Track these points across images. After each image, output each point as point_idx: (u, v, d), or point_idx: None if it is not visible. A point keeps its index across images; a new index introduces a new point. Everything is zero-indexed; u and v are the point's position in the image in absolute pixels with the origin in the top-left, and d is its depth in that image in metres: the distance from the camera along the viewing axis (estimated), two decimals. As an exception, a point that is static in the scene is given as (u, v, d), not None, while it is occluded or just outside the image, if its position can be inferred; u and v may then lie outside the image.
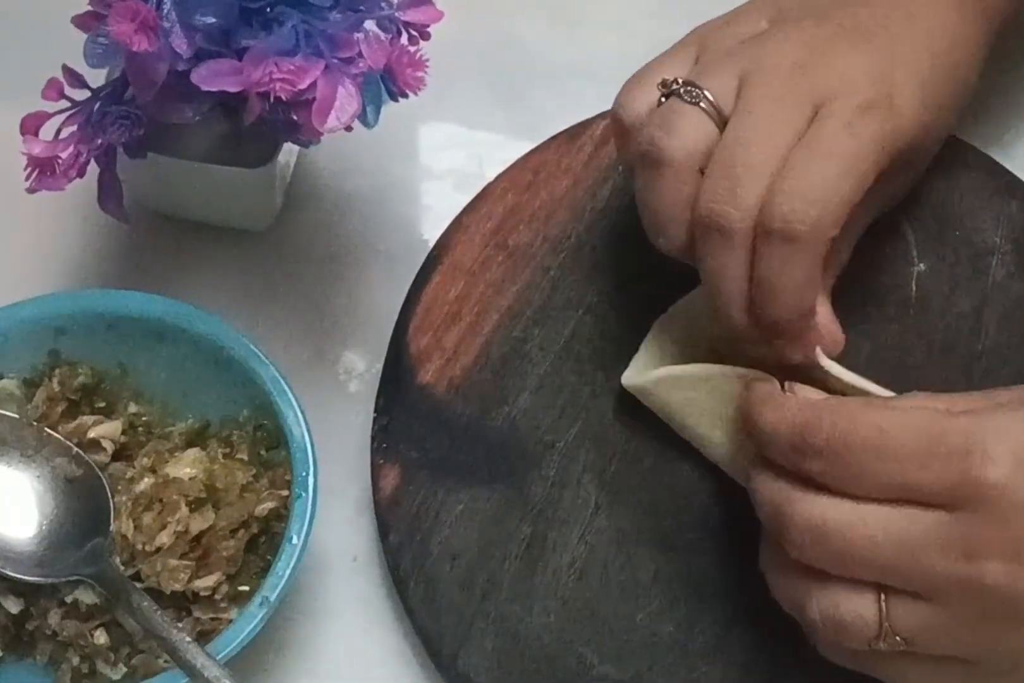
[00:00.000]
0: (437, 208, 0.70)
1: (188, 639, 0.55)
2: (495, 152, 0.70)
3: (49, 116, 0.58)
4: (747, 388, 0.56)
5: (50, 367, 0.62)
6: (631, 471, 0.62)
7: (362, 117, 0.58)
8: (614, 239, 0.66)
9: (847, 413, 0.52)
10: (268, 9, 0.55)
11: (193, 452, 0.60)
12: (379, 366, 0.65)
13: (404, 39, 0.58)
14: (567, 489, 0.62)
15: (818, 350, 0.57)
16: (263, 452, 0.61)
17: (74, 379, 0.62)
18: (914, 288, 0.65)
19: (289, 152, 0.66)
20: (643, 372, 0.61)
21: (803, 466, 0.52)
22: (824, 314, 0.58)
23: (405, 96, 0.58)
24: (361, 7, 0.56)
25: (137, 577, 0.58)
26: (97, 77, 0.59)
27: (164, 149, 0.61)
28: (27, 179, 0.57)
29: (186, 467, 0.60)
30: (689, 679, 0.59)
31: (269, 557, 0.58)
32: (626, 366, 0.62)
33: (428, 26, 0.58)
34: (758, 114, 0.55)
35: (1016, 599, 0.49)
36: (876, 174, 0.56)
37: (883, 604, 0.51)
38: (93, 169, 0.59)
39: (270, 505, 0.59)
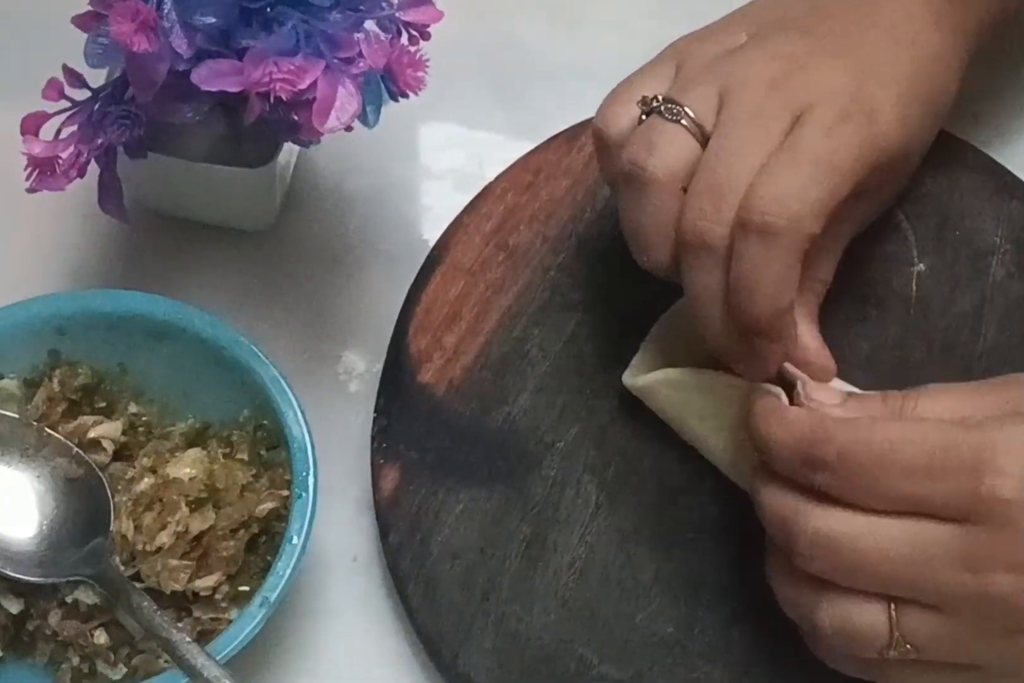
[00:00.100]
0: (437, 208, 0.70)
1: (188, 639, 0.55)
2: (495, 152, 0.70)
3: (49, 116, 0.58)
4: (751, 400, 0.56)
5: (50, 367, 0.62)
6: (631, 471, 0.62)
7: (362, 117, 0.58)
8: (614, 239, 0.66)
9: (857, 426, 0.52)
10: (268, 9, 0.55)
11: (193, 452, 0.60)
12: (379, 366, 0.65)
13: (404, 39, 0.57)
14: (567, 489, 0.62)
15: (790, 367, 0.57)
16: (263, 452, 0.61)
17: (74, 379, 0.62)
18: (914, 288, 0.65)
19: (289, 152, 0.66)
20: (643, 372, 0.61)
21: (812, 479, 0.52)
22: (812, 341, 0.58)
23: (405, 96, 0.58)
24: (361, 7, 0.56)
25: (137, 577, 0.58)
26: (97, 77, 0.59)
27: (164, 149, 0.61)
28: (27, 179, 0.57)
29: (186, 467, 0.60)
30: (689, 679, 0.59)
31: (269, 557, 0.58)
32: (626, 366, 0.62)
33: (428, 26, 0.58)
34: (739, 130, 0.55)
35: (1023, 610, 0.50)
36: (855, 180, 0.55)
37: (893, 613, 0.51)
38: (93, 169, 0.59)
39: (270, 505, 0.59)
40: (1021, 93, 0.72)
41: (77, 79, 0.58)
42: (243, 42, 0.55)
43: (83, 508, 0.60)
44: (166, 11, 0.54)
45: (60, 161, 0.57)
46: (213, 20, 0.55)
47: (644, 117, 0.57)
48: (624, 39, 0.73)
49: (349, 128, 0.55)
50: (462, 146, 0.72)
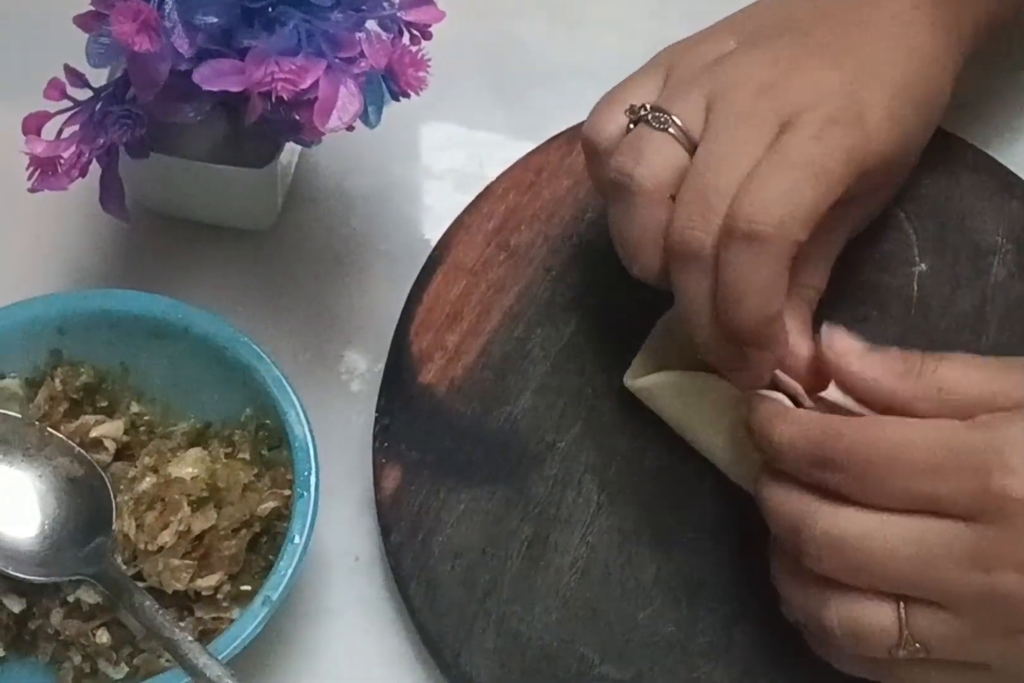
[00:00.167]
0: (438, 208, 0.70)
1: (190, 638, 0.55)
2: (495, 152, 0.70)
3: (51, 116, 0.58)
4: (752, 404, 0.56)
5: (52, 367, 0.62)
6: (632, 471, 0.62)
7: (364, 117, 0.58)
8: (615, 239, 0.66)
9: (866, 425, 0.52)
10: (270, 9, 0.55)
11: (195, 452, 0.60)
12: (381, 366, 0.65)
13: (406, 39, 0.57)
14: (568, 489, 0.62)
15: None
16: (265, 452, 0.61)
17: (76, 379, 0.62)
18: (915, 288, 0.65)
19: (291, 152, 0.66)
20: (644, 374, 0.61)
21: (822, 478, 0.52)
22: (806, 350, 0.57)
23: (407, 96, 0.58)
24: (363, 7, 0.56)
25: (139, 576, 0.58)
26: (99, 77, 0.59)
27: (166, 149, 0.61)
28: (29, 179, 0.57)
29: (188, 466, 0.60)
30: (689, 679, 0.59)
31: (271, 557, 0.58)
32: (627, 366, 0.62)
33: (430, 26, 0.58)
34: (726, 137, 0.55)
35: None
36: (845, 184, 0.55)
37: (903, 612, 0.51)
38: (95, 169, 0.59)
39: (272, 504, 0.59)
40: (1021, 93, 0.72)
41: (79, 79, 0.58)
42: (245, 42, 0.55)
43: (85, 507, 0.60)
44: (168, 11, 0.54)
45: (62, 161, 0.57)
46: (215, 20, 0.55)
47: (632, 126, 0.57)
48: (624, 39, 0.73)
49: (350, 128, 0.56)
50: (463, 146, 0.72)
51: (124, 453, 0.62)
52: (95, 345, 0.62)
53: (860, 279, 0.65)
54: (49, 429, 0.61)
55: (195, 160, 0.62)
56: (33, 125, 0.58)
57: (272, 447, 0.61)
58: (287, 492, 0.59)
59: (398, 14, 0.57)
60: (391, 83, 0.58)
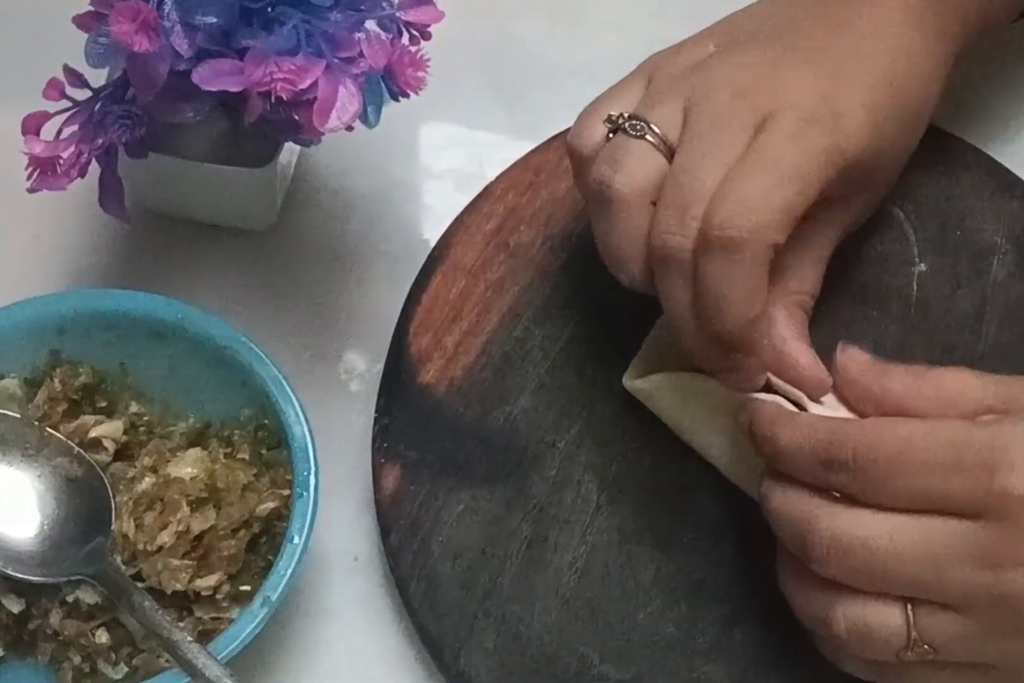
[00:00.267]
0: (438, 208, 0.70)
1: (189, 639, 0.55)
2: (495, 152, 0.70)
3: (50, 116, 0.58)
4: (750, 410, 0.56)
5: (51, 367, 0.62)
6: (632, 471, 0.62)
7: (363, 117, 0.58)
8: (615, 239, 0.66)
9: (872, 425, 0.52)
10: (269, 9, 0.55)
11: (194, 452, 0.60)
12: (380, 366, 0.65)
13: (405, 39, 0.57)
14: (568, 489, 0.62)
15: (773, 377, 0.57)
16: (264, 452, 0.61)
17: (75, 379, 0.62)
18: (915, 288, 0.65)
19: (290, 152, 0.66)
20: (643, 374, 0.61)
21: (829, 480, 0.52)
22: (804, 358, 0.57)
23: (406, 96, 0.58)
24: (362, 7, 0.56)
25: (138, 577, 0.58)
26: (98, 77, 0.59)
27: (165, 149, 0.61)
28: (28, 179, 0.57)
29: (187, 467, 0.60)
30: (689, 679, 0.59)
31: (270, 557, 0.58)
32: (627, 366, 0.62)
33: (429, 26, 0.58)
34: (703, 141, 0.55)
35: None
36: (821, 185, 0.55)
37: (910, 613, 0.51)
38: (94, 169, 0.59)
39: (271, 505, 0.59)
40: (1021, 93, 0.72)
41: (78, 79, 0.58)
42: (244, 42, 0.55)
43: (84, 508, 0.60)
44: (167, 11, 0.54)
45: (61, 161, 0.57)
46: (214, 20, 0.55)
47: (611, 135, 0.57)
48: (624, 39, 0.73)
49: (350, 128, 0.56)
50: (462, 146, 0.72)
51: (123, 453, 0.62)
52: (94, 345, 0.62)
53: (860, 279, 0.65)
54: (48, 429, 0.61)
55: (195, 160, 0.62)
56: (32, 125, 0.58)
57: (271, 447, 0.61)
58: (286, 492, 0.59)
59: (397, 14, 0.57)
60: (390, 83, 0.58)
